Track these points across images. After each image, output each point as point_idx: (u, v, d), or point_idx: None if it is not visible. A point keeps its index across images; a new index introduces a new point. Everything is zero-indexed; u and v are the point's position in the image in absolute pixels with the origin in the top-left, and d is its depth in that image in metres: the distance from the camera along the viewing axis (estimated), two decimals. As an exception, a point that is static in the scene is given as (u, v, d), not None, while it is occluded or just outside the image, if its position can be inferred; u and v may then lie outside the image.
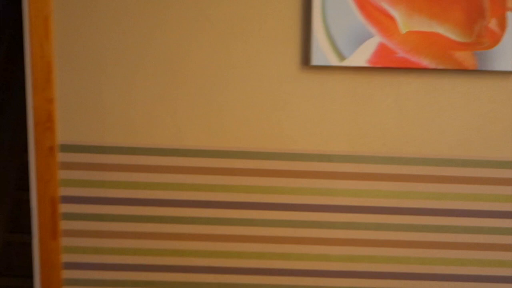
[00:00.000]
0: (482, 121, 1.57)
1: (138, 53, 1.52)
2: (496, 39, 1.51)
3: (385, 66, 1.51)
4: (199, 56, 1.53)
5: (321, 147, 1.57)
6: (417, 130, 1.57)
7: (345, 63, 1.50)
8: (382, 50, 1.50)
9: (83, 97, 1.53)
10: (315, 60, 1.50)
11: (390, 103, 1.56)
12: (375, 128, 1.57)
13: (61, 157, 1.56)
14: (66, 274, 1.64)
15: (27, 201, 2.99)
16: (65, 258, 1.63)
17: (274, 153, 1.57)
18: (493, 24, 1.50)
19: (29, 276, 2.83)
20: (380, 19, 1.49)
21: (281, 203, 1.59)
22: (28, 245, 2.92)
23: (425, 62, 1.51)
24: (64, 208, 1.59)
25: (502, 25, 1.50)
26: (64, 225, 1.61)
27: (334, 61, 1.50)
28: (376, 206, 1.60)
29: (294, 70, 1.54)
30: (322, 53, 1.50)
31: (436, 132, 1.57)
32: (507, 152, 1.58)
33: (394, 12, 1.48)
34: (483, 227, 1.61)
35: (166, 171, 1.58)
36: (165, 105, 1.55)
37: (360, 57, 1.50)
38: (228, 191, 1.59)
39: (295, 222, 1.60)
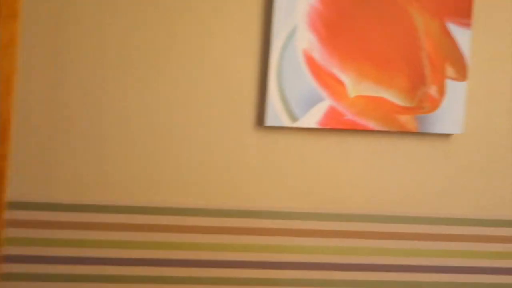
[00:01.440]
0: (422, 179, 1.66)
1: (93, 114, 1.53)
2: (435, 104, 1.62)
3: (334, 128, 1.58)
4: (149, 118, 1.55)
5: (274, 203, 1.60)
6: (363, 188, 1.64)
7: (297, 124, 1.55)
8: (331, 112, 1.57)
9: (36, 155, 1.50)
10: (269, 121, 1.54)
11: (337, 163, 1.62)
12: (324, 185, 1.62)
13: (9, 214, 1.50)
14: None
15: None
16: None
17: (227, 210, 1.58)
18: (433, 90, 1.61)
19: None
20: (331, 83, 1.56)
21: (231, 260, 1.60)
22: None
23: (371, 125, 1.59)
24: (5, 268, 1.52)
25: (442, 92, 1.61)
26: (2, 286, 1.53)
27: (287, 122, 1.55)
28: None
29: (249, 129, 1.57)
30: (276, 114, 1.54)
31: (380, 190, 1.65)
32: (446, 209, 1.68)
33: (344, 78, 1.56)
34: (422, 282, 1.69)
35: (114, 229, 1.55)
36: (116, 162, 1.54)
37: (311, 119, 1.56)
38: (176, 248, 1.58)
39: (240, 280, 1.62)
